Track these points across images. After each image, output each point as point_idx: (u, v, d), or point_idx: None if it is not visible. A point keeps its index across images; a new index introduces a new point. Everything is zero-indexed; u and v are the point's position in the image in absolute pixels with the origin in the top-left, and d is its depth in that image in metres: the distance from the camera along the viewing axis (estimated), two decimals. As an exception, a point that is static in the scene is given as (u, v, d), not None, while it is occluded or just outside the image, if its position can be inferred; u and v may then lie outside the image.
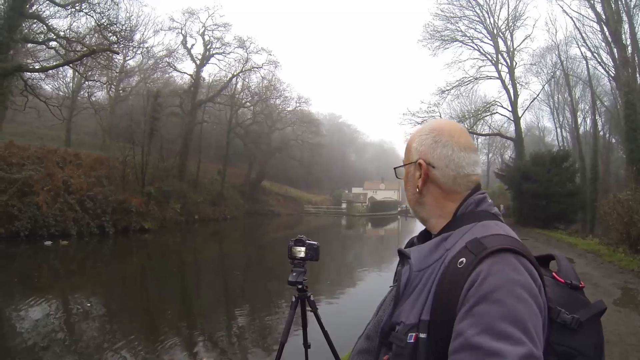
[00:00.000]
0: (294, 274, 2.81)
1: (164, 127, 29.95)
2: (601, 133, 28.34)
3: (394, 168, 1.20)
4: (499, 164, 34.26)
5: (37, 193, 16.67)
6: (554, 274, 1.00)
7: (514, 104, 27.63)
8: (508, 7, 27.46)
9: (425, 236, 1.14)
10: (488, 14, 28.12)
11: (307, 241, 2.83)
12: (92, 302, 9.19)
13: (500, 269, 0.83)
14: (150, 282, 12.69)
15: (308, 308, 2.94)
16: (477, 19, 28.43)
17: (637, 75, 19.97)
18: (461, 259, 0.88)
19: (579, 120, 30.85)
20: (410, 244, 1.18)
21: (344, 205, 61.46)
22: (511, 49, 28.10)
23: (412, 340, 0.88)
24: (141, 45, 29.83)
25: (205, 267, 15.89)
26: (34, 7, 18.74)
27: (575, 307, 0.92)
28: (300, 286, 2.82)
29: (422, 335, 0.88)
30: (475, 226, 0.97)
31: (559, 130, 34.97)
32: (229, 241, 25.82)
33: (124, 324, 8.04)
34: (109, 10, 19.11)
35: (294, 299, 2.87)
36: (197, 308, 10.02)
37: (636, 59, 20.11)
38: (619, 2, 19.69)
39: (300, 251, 2.81)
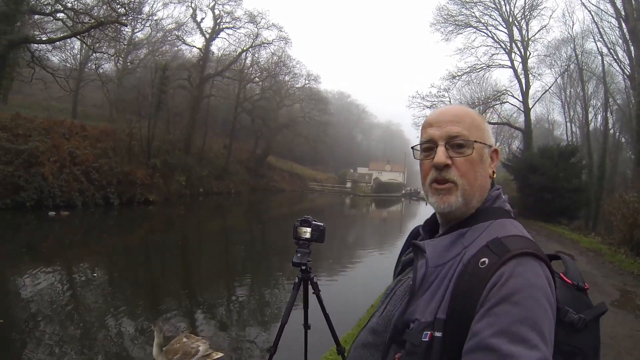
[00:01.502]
0: (299, 254, 2.77)
1: (171, 100, 29.78)
2: (611, 131, 27.53)
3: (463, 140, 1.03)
4: (506, 153, 33.74)
5: (43, 164, 16.71)
6: (561, 274, 0.99)
7: (525, 94, 26.88)
8: (525, -5, 26.56)
9: (431, 225, 1.13)
10: (504, 0, 27.32)
11: (314, 222, 2.78)
12: (97, 272, 9.37)
13: (523, 273, 0.83)
14: (153, 254, 12.87)
15: (311, 290, 2.91)
16: (493, 6, 27.51)
17: (652, 75, 19.37)
18: (483, 259, 0.88)
19: (590, 116, 29.74)
20: (416, 232, 1.17)
21: (348, 185, 61.60)
22: (526, 39, 27.13)
23: (427, 339, 0.87)
24: (150, 17, 29.65)
25: (208, 240, 16.08)
26: (42, -21, 18.43)
27: (580, 308, 0.92)
28: (304, 267, 2.78)
29: (437, 334, 0.87)
30: (492, 224, 0.97)
31: (568, 124, 34.19)
32: (233, 216, 26.01)
33: (126, 292, 8.25)
34: (118, -19, 18.79)
35: (296, 280, 2.83)
36: (199, 280, 10.17)
37: (653, 59, 19.48)
38: (640, 0, 18.98)
39: (306, 232, 2.77)
